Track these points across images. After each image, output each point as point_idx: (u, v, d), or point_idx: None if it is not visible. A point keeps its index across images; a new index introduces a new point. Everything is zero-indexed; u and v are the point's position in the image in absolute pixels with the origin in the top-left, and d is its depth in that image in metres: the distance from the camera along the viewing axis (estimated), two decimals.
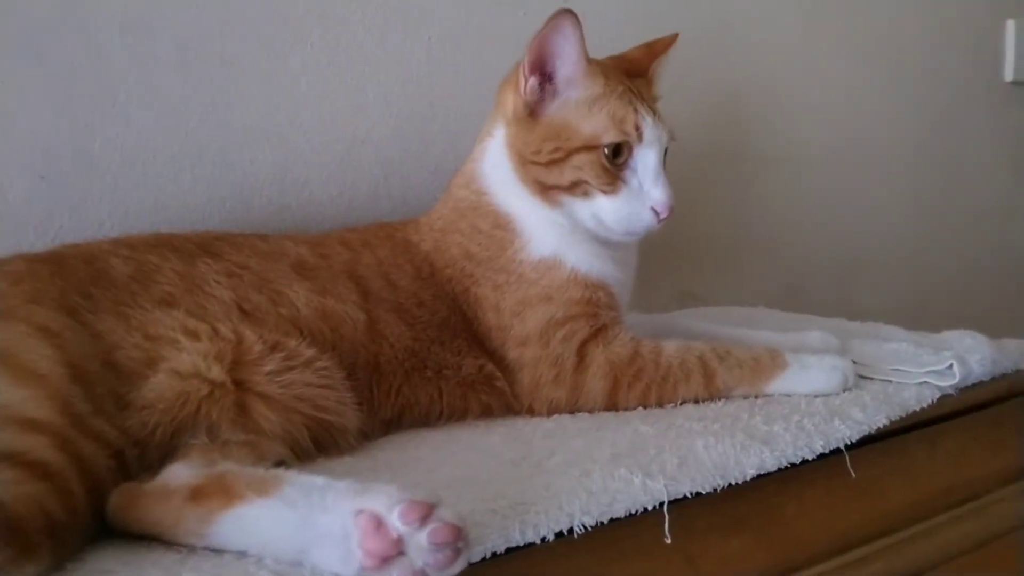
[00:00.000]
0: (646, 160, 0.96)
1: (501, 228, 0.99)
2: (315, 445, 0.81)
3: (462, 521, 0.58)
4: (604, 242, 1.00)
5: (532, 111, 0.97)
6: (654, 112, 0.98)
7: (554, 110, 0.97)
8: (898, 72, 1.86)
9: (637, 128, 0.95)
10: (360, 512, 0.57)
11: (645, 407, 0.97)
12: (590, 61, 0.97)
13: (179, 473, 0.65)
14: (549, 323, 0.96)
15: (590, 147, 0.95)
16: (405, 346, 0.93)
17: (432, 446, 0.85)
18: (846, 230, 1.88)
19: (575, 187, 0.96)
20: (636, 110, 0.96)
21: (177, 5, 1.07)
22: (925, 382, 1.03)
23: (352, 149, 1.22)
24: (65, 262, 0.85)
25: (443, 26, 1.28)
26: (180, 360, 0.75)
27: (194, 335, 0.78)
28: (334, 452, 0.82)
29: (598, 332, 0.97)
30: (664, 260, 1.62)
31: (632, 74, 1.03)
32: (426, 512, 0.56)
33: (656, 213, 0.97)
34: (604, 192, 0.95)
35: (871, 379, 1.06)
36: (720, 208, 1.69)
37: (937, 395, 1.02)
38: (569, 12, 0.93)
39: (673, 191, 0.98)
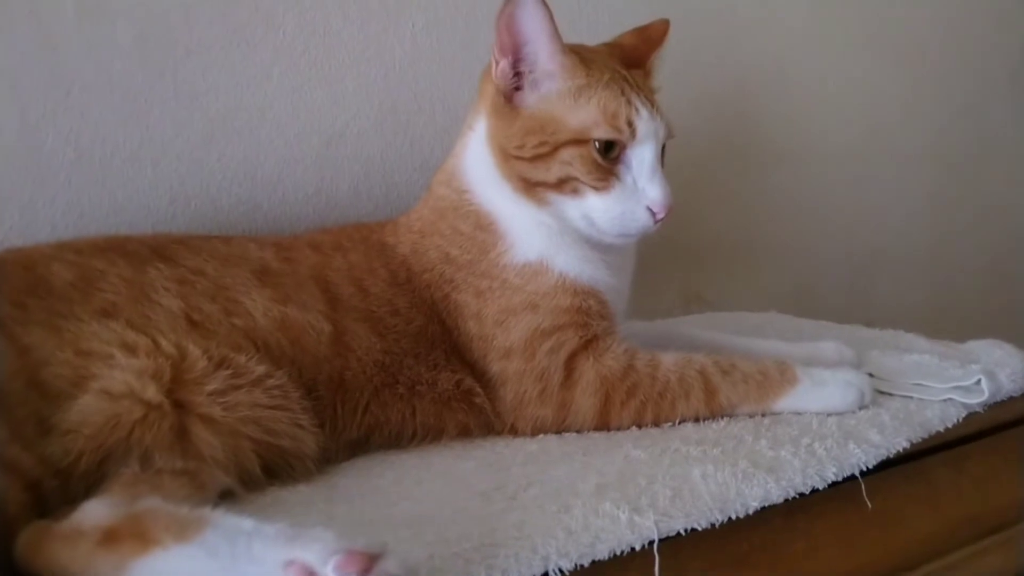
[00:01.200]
0: (641, 156, 0.88)
1: (483, 229, 0.91)
2: (267, 472, 0.73)
3: (411, 573, 0.49)
4: (596, 245, 0.91)
5: (510, 99, 0.89)
6: (651, 104, 0.90)
7: (536, 100, 0.89)
8: (915, 64, 1.77)
9: (630, 123, 0.87)
10: (290, 563, 0.49)
11: (640, 426, 0.89)
12: (568, 48, 0.88)
13: (93, 512, 0.57)
14: (535, 333, 0.88)
15: (579, 141, 0.87)
16: (375, 359, 0.85)
17: (398, 473, 0.77)
18: (862, 229, 1.78)
19: (563, 184, 0.88)
20: (629, 102, 0.87)
21: None
22: (950, 399, 0.95)
23: (329, 144, 1.14)
24: (1, 268, 0.77)
25: (429, 12, 1.20)
26: (112, 378, 0.68)
27: (131, 350, 0.71)
28: (288, 479, 0.75)
29: (588, 343, 0.89)
30: (669, 262, 1.54)
31: (628, 63, 0.94)
32: (366, 565, 0.48)
33: (652, 213, 0.88)
34: (595, 189, 0.87)
35: (890, 395, 0.97)
36: (728, 206, 1.61)
37: (963, 413, 0.93)
38: None
39: (671, 189, 0.89)
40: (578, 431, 0.88)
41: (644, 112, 0.88)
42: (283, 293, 0.84)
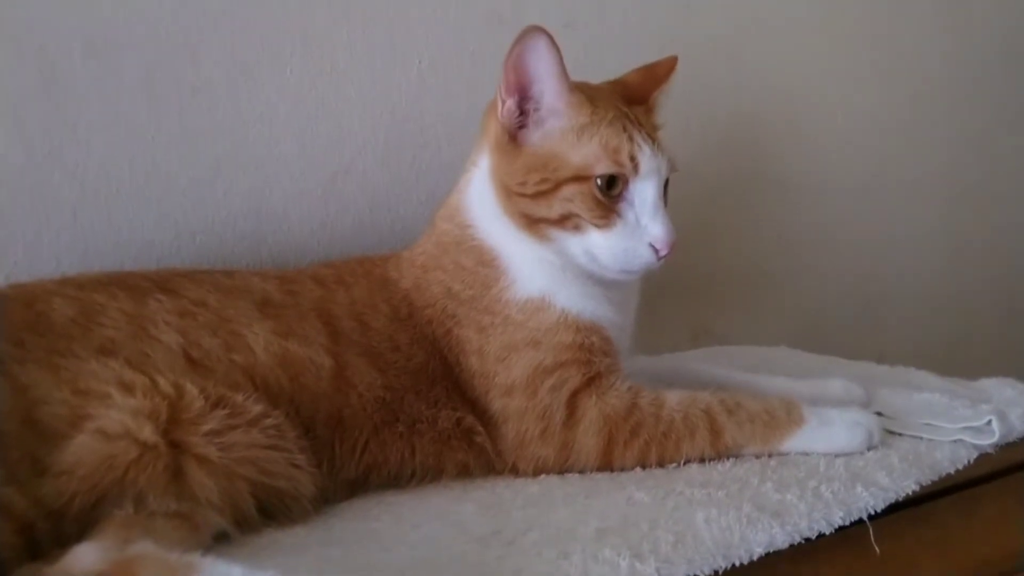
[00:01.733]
0: (643, 192, 0.88)
1: (485, 265, 0.90)
2: (263, 513, 0.72)
3: None
4: (598, 281, 0.91)
5: (514, 137, 0.89)
6: (653, 141, 0.90)
7: (539, 138, 0.89)
8: (925, 95, 1.76)
9: (632, 158, 0.87)
10: None
11: (644, 467, 0.87)
12: (575, 85, 0.89)
13: (84, 556, 0.56)
14: (536, 370, 0.87)
15: (581, 178, 0.86)
16: (375, 396, 0.84)
17: (395, 515, 0.75)
18: (873, 262, 1.77)
19: (565, 220, 0.87)
20: (632, 138, 0.87)
21: (146, 26, 1.01)
22: (960, 440, 0.93)
23: (335, 179, 1.14)
24: (2, 305, 0.77)
25: (435, 49, 1.20)
26: (108, 418, 0.67)
27: (129, 389, 0.70)
28: (285, 520, 0.74)
29: (591, 381, 0.88)
30: (676, 294, 1.52)
31: (631, 100, 0.94)
32: None
33: (655, 250, 0.87)
34: (597, 226, 0.87)
35: (900, 435, 0.96)
36: (737, 239, 1.60)
37: (974, 455, 0.91)
38: (540, 29, 0.85)
39: (674, 225, 0.89)
40: (581, 471, 0.87)
41: (646, 148, 0.88)
42: (285, 326, 0.84)
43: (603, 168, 0.86)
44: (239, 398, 0.73)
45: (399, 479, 0.84)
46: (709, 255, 1.55)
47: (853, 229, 1.72)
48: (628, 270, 0.89)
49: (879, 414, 1.01)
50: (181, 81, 1.03)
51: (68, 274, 0.90)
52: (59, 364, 0.72)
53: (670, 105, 1.44)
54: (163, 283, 0.85)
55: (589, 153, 0.86)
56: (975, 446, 0.92)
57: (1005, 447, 0.93)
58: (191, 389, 0.72)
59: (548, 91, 0.87)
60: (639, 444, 0.86)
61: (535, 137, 0.89)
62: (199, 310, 0.82)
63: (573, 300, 0.89)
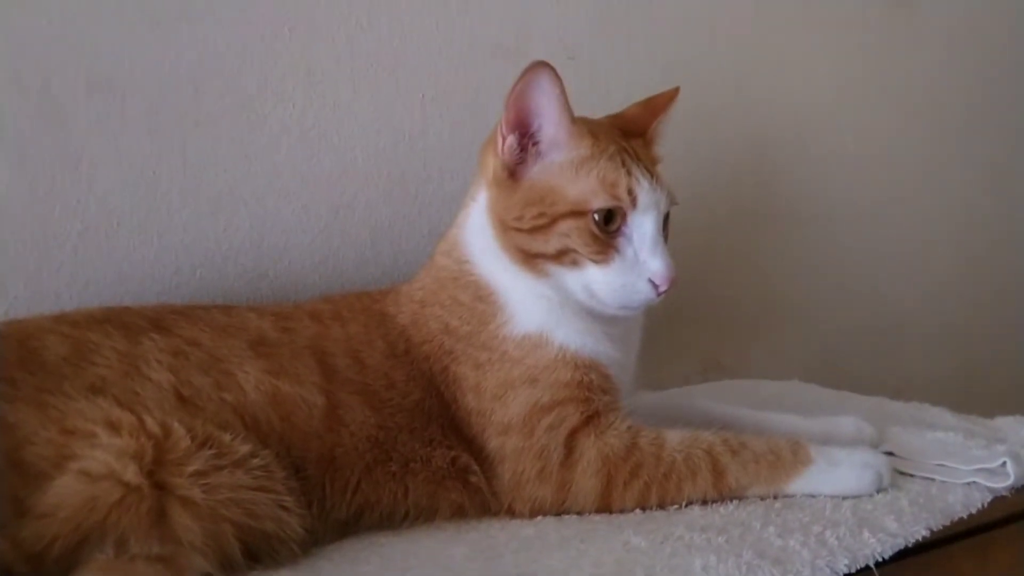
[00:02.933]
0: (642, 227, 0.86)
1: (482, 300, 0.89)
2: (250, 555, 0.71)
3: None
4: (597, 317, 0.89)
5: (512, 173, 0.88)
6: (652, 175, 0.89)
7: (537, 172, 0.88)
8: (938, 123, 1.74)
9: (630, 192, 0.86)
10: None
11: (644, 509, 0.85)
12: (576, 119, 0.88)
13: None
14: (534, 409, 0.86)
15: (578, 212, 0.85)
16: (368, 435, 0.83)
17: (385, 559, 0.74)
18: (888, 295, 1.74)
19: (562, 256, 0.86)
20: (630, 172, 0.86)
21: (149, 63, 1.01)
22: (974, 482, 0.90)
23: (338, 213, 1.14)
24: None
25: (438, 83, 1.20)
26: (92, 458, 0.67)
27: (116, 428, 0.70)
28: (272, 563, 0.72)
29: (590, 420, 0.86)
30: (686, 327, 1.50)
31: (630, 134, 0.93)
32: None
33: (654, 286, 0.86)
34: (594, 261, 0.86)
35: (911, 476, 0.93)
36: (747, 270, 1.58)
37: (988, 498, 0.88)
38: (545, 64, 0.84)
39: (674, 260, 0.87)
40: (579, 513, 0.85)
41: (644, 182, 0.87)
42: (277, 364, 0.83)
43: (600, 202, 0.85)
44: (226, 438, 0.72)
45: (392, 520, 0.83)
46: (718, 285, 1.53)
47: (867, 261, 1.70)
48: (627, 306, 0.88)
49: (890, 454, 0.99)
50: (184, 116, 1.04)
51: (67, 308, 0.90)
52: (48, 403, 0.72)
53: (677, 133, 1.44)
54: (158, 321, 0.85)
55: (586, 187, 0.85)
56: (989, 489, 0.89)
57: (1021, 490, 0.90)
58: (178, 429, 0.71)
59: (550, 123, 0.87)
60: (639, 485, 0.84)
61: (533, 171, 0.88)
62: (192, 349, 0.82)
63: (571, 337, 0.88)
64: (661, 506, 0.85)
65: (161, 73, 1.02)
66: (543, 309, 0.88)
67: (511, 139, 0.87)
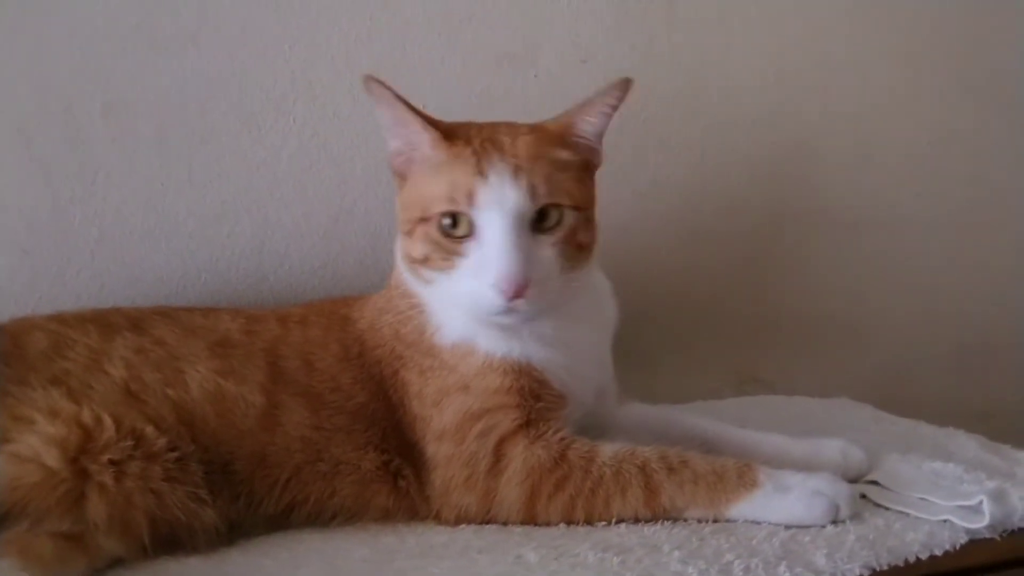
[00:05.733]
0: (488, 229, 0.82)
1: (415, 309, 0.90)
2: (162, 542, 0.76)
3: None
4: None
5: (404, 178, 0.90)
6: (514, 171, 0.82)
7: (411, 178, 0.89)
8: (1010, 118, 1.55)
9: (470, 194, 0.82)
10: None
11: (570, 523, 0.84)
12: (438, 124, 0.87)
13: None
14: (466, 416, 0.86)
15: (425, 218, 0.85)
16: (301, 435, 0.87)
17: (291, 554, 0.78)
18: (972, 311, 1.58)
19: (427, 262, 0.86)
20: (480, 171, 0.82)
21: (159, 86, 1.11)
22: (948, 520, 0.81)
23: (337, 220, 1.20)
24: None
25: (440, 91, 1.22)
26: (24, 443, 0.75)
27: (54, 417, 0.77)
28: (191, 550, 0.78)
29: (520, 428, 0.86)
30: (717, 337, 1.45)
31: (544, 133, 0.88)
32: None
33: (500, 291, 0.81)
34: (441, 269, 0.84)
35: (885, 509, 0.86)
36: (794, 277, 1.49)
37: (963, 539, 0.79)
38: (370, 80, 0.86)
39: (526, 261, 0.80)
40: (504, 523, 0.85)
41: (493, 179, 0.82)
42: (228, 365, 0.89)
43: (440, 207, 0.83)
44: (149, 431, 0.78)
45: (320, 518, 0.86)
46: (755, 295, 1.46)
47: (939, 267, 1.55)
48: (481, 316, 0.85)
49: (874, 483, 0.91)
50: (191, 133, 1.13)
51: (85, 308, 1.01)
52: (11, 391, 0.81)
53: (711, 137, 1.39)
54: (138, 321, 0.93)
55: (434, 192, 0.84)
56: (965, 530, 0.80)
57: (1016, 533, 0.81)
58: (107, 420, 0.78)
59: (410, 131, 0.87)
60: (564, 498, 0.83)
61: (411, 177, 0.89)
62: (155, 348, 0.89)
63: (494, 342, 0.87)
64: (588, 521, 0.83)
65: (170, 94, 1.11)
66: (459, 316, 0.88)
67: (393, 144, 0.89)
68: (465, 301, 0.84)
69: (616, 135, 1.33)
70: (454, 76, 1.24)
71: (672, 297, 1.40)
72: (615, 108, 0.89)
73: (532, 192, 0.82)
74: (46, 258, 1.08)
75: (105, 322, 0.92)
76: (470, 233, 0.83)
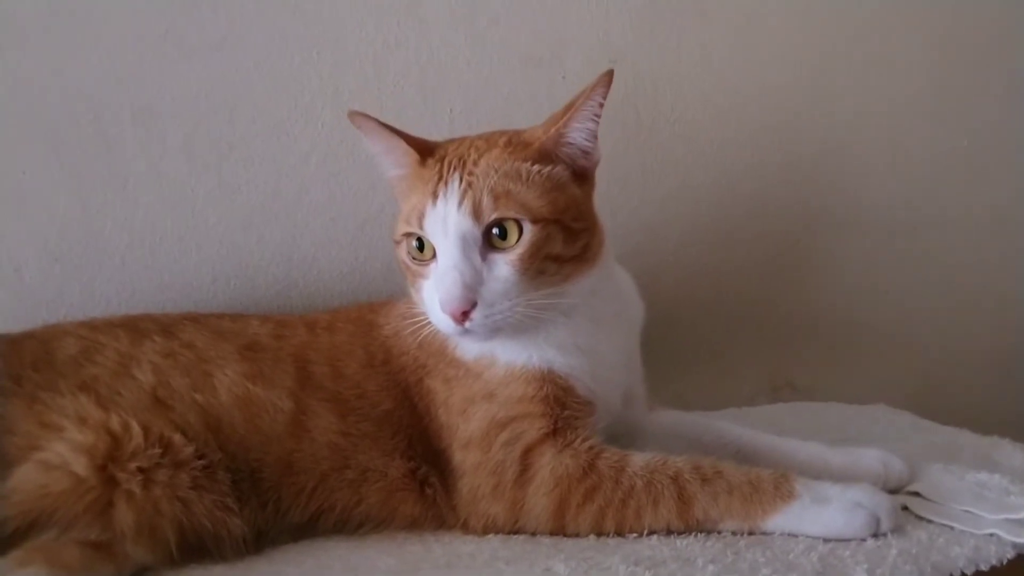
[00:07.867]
0: (439, 250, 0.82)
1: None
2: (189, 550, 0.76)
3: None
4: (549, 322, 0.85)
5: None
6: (464, 193, 0.80)
7: (401, 195, 0.90)
8: None
9: (420, 216, 0.82)
10: None
11: (599, 534, 0.82)
12: (416, 141, 0.88)
13: None
14: (491, 424, 0.85)
15: (397, 240, 0.87)
16: (329, 441, 0.86)
17: (317, 562, 0.77)
18: (1008, 309, 1.54)
19: (408, 280, 0.88)
20: (433, 193, 0.82)
21: (187, 93, 1.12)
22: (994, 533, 0.78)
23: (364, 226, 1.19)
24: (23, 343, 0.89)
25: (468, 96, 1.22)
26: (52, 450, 0.75)
27: (83, 424, 0.77)
28: (219, 558, 0.77)
29: (548, 436, 0.84)
30: (752, 343, 1.42)
31: (517, 146, 0.85)
32: None
33: (447, 313, 0.80)
34: (417, 288, 0.86)
35: (929, 522, 0.82)
36: (830, 282, 1.46)
37: (1010, 554, 0.76)
38: (354, 115, 0.87)
39: (469, 285, 0.78)
40: (532, 533, 0.83)
41: (439, 202, 0.81)
42: (257, 369, 0.88)
43: (403, 227, 0.85)
44: (177, 438, 0.78)
45: (347, 526, 0.85)
46: (789, 299, 1.43)
47: (987, 270, 1.51)
48: (451, 335, 0.84)
49: (916, 494, 0.88)
50: (219, 140, 1.13)
51: (116, 313, 1.01)
52: (40, 398, 0.81)
53: (742, 139, 1.37)
54: (169, 326, 0.93)
55: (404, 213, 0.86)
56: (1013, 544, 0.77)
57: None
58: (135, 427, 0.78)
59: (399, 155, 0.88)
60: (593, 509, 0.81)
61: (400, 196, 0.90)
62: (183, 351, 0.89)
63: (512, 351, 0.86)
64: (619, 532, 0.81)
65: (198, 101, 1.12)
66: None
67: (392, 172, 0.89)
68: (432, 319, 0.83)
69: (645, 136, 1.32)
70: (481, 79, 1.23)
71: (703, 302, 1.37)
72: (602, 106, 0.86)
73: (476, 212, 0.80)
74: (77, 264, 1.09)
75: (135, 327, 0.92)
76: (433, 255, 0.83)
